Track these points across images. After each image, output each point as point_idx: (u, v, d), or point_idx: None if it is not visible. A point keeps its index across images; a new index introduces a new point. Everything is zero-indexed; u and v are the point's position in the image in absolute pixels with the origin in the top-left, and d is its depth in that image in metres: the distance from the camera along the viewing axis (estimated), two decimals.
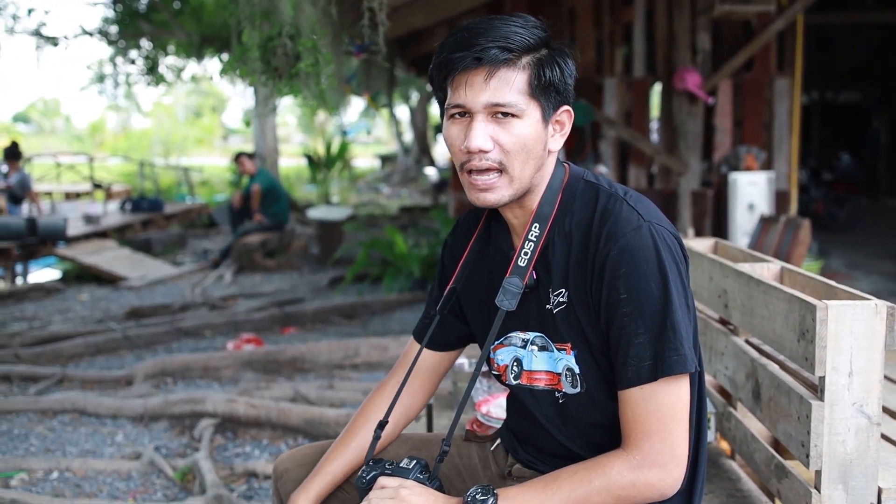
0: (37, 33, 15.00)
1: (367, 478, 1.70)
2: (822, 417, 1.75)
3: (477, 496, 1.57)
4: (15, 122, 64.82)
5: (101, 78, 18.50)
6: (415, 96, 25.98)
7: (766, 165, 7.87)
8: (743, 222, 7.54)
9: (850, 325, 1.72)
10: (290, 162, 30.13)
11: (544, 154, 1.64)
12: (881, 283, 8.40)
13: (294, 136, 45.95)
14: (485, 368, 2.68)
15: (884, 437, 2.15)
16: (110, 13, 15.67)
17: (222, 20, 14.62)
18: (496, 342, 1.77)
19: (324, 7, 4.66)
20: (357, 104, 26.81)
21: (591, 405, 1.66)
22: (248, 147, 27.29)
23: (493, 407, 2.54)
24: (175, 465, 3.97)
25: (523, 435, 1.84)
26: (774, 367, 2.09)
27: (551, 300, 1.65)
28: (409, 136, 29.58)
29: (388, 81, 8.16)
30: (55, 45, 15.41)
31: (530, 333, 1.70)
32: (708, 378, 2.67)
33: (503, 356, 1.76)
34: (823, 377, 1.74)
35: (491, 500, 1.56)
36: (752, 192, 7.58)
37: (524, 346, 1.71)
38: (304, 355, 5.53)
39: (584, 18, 8.41)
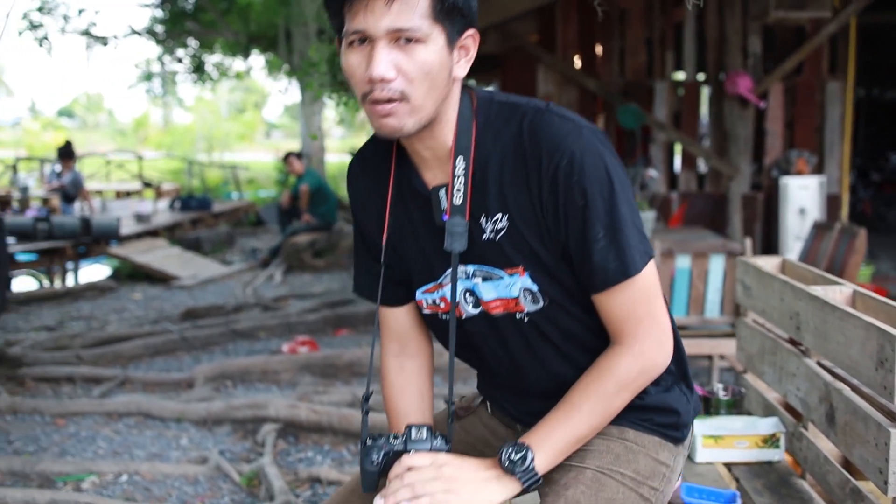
0: (87, 33, 15.26)
1: (380, 458, 1.62)
2: None
3: (512, 456, 1.56)
4: (59, 117, 65.57)
5: (148, 76, 18.78)
6: None
7: (818, 169, 7.85)
8: (794, 226, 7.53)
9: None
10: (331, 157, 30.32)
11: (449, 81, 1.55)
12: None
13: (333, 129, 46.18)
14: None
15: None
16: (159, 13, 15.87)
17: (269, 20, 14.81)
18: (433, 283, 1.70)
19: None
20: None
21: (560, 311, 1.64)
22: (293, 145, 27.47)
23: None
24: (241, 470, 4.06)
25: (493, 382, 1.83)
26: (849, 393, 2.12)
27: (487, 229, 1.59)
28: None
29: None
30: (105, 44, 15.66)
31: (469, 267, 1.64)
32: (776, 396, 2.71)
33: (449, 292, 1.67)
34: None
35: (528, 454, 1.56)
36: (803, 196, 7.57)
37: (468, 278, 1.65)
38: (361, 359, 5.61)
39: (635, 21, 8.41)
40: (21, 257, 9.24)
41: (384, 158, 1.70)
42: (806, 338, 2.35)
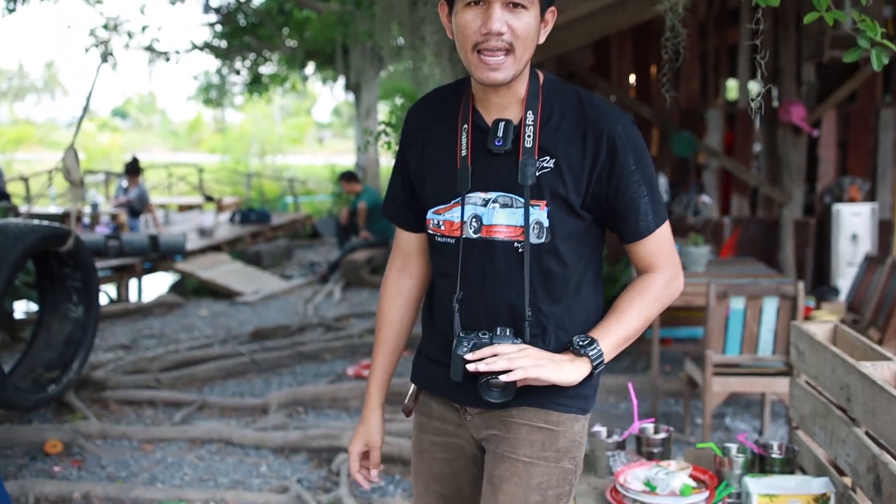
0: (150, 49, 15.71)
1: (469, 347, 1.92)
2: None
3: (581, 342, 1.95)
4: (113, 117, 66.52)
5: (207, 88, 19.24)
6: None
7: (870, 196, 7.96)
8: (846, 252, 7.65)
9: None
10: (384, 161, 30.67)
11: (535, 45, 1.92)
12: None
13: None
14: (622, 438, 2.97)
15: None
16: (219, 28, 16.26)
17: (326, 36, 15.15)
18: (443, 205, 2.03)
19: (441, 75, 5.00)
20: None
21: (550, 253, 1.96)
22: (343, 146, 27.83)
23: (630, 477, 2.79)
24: (319, 500, 4.34)
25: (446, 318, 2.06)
26: (895, 467, 2.33)
27: (533, 166, 1.94)
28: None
29: None
30: (167, 60, 16.10)
31: (492, 193, 1.97)
32: (826, 456, 2.90)
33: (457, 214, 2.00)
34: None
35: (595, 342, 1.95)
36: (855, 222, 7.69)
37: (485, 205, 1.97)
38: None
39: (689, 50, 8.58)
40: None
41: (448, 103, 2.07)
42: (855, 409, 2.56)
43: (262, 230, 13.50)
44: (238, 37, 16.09)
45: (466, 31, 1.86)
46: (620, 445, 2.98)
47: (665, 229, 2.04)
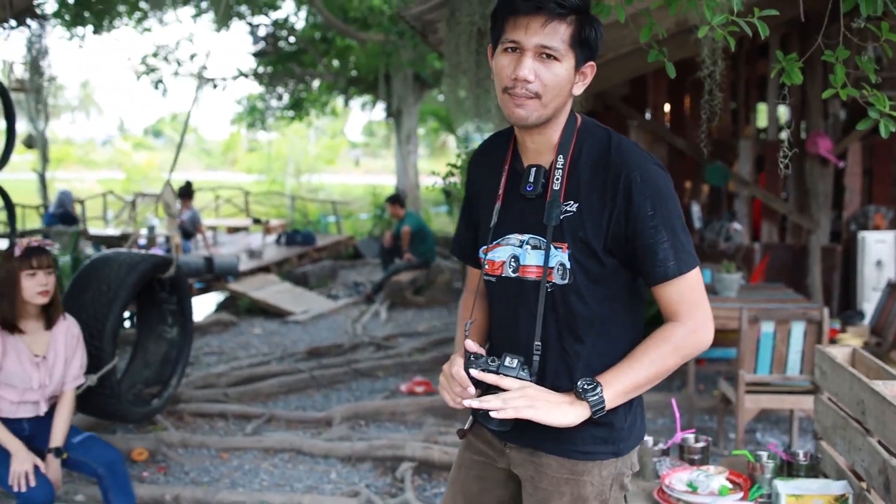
0: (198, 76, 16.33)
1: (476, 369, 2.04)
2: None
3: (584, 385, 2.01)
4: (146, 136, 67.18)
5: (250, 112, 19.85)
6: None
7: (893, 224, 8.33)
8: (871, 278, 8.03)
9: None
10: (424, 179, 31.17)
11: (569, 95, 2.04)
12: None
13: (422, 163, 46.93)
14: (666, 446, 3.38)
15: None
16: (264, 55, 16.85)
17: (368, 64, 15.70)
18: (493, 242, 2.16)
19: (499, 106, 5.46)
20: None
21: (574, 294, 2.06)
22: (375, 165, 28.27)
23: (674, 479, 3.22)
24: None
25: (501, 339, 2.22)
26: None
27: (558, 209, 2.05)
28: None
29: None
30: (214, 87, 16.72)
31: (526, 235, 2.10)
32: (846, 462, 3.33)
33: (500, 254, 2.15)
34: None
35: (598, 386, 2.01)
36: (880, 249, 8.07)
37: (520, 246, 2.10)
38: None
39: (720, 85, 9.00)
40: None
41: (499, 149, 2.23)
42: (869, 421, 2.98)
43: (307, 251, 14.00)
44: (282, 63, 16.69)
45: (501, 73, 2.01)
46: (665, 452, 3.40)
47: (692, 277, 2.06)
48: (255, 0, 15.00)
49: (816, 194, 8.23)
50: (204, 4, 14.68)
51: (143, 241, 12.05)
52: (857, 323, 7.23)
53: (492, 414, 1.97)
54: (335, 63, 16.16)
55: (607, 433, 2.15)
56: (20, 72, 7.63)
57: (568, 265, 2.05)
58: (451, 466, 5.28)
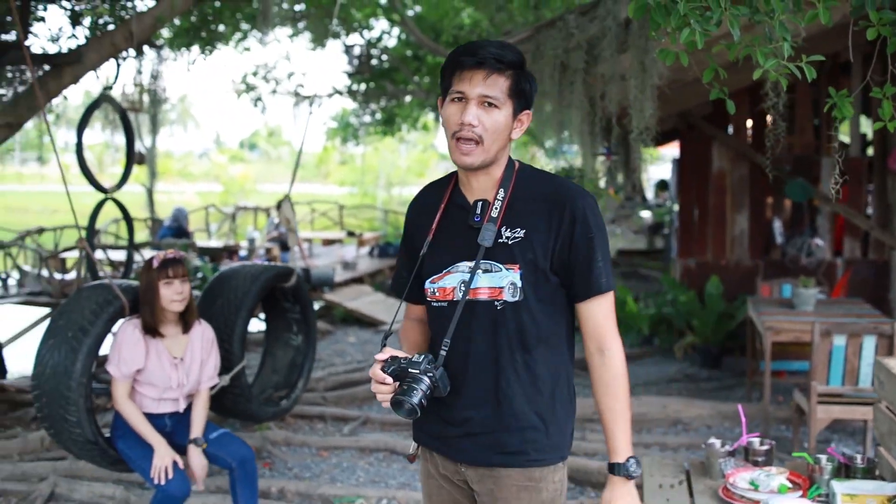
0: (295, 94, 16.97)
1: (389, 370, 2.28)
2: None
3: (635, 467, 2.33)
4: (242, 149, 68.61)
5: (344, 127, 20.47)
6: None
7: None
8: None
9: None
10: None
11: (508, 139, 2.33)
12: None
13: None
14: (732, 448, 3.66)
15: None
16: (358, 73, 17.37)
17: None
18: (436, 274, 2.40)
19: (579, 125, 5.81)
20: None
21: (525, 310, 2.31)
22: None
23: (738, 478, 3.48)
24: None
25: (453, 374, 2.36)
26: None
27: (505, 236, 2.31)
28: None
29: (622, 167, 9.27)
30: (311, 104, 17.32)
31: (473, 262, 2.32)
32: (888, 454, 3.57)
33: (449, 282, 2.37)
34: None
35: (631, 460, 2.33)
36: None
37: (469, 272, 2.32)
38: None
39: (803, 102, 9.16)
40: None
41: (439, 190, 2.49)
42: None
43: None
44: (375, 81, 17.20)
45: (449, 120, 2.30)
46: (731, 454, 3.68)
47: (610, 298, 2.36)
48: (349, 20, 15.50)
49: None
50: (301, 25, 15.26)
51: (243, 253, 12.66)
52: None
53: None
54: (426, 80, 16.57)
55: (554, 441, 2.39)
56: (131, 92, 8.20)
57: (519, 284, 2.31)
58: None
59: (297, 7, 13.65)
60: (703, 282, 8.86)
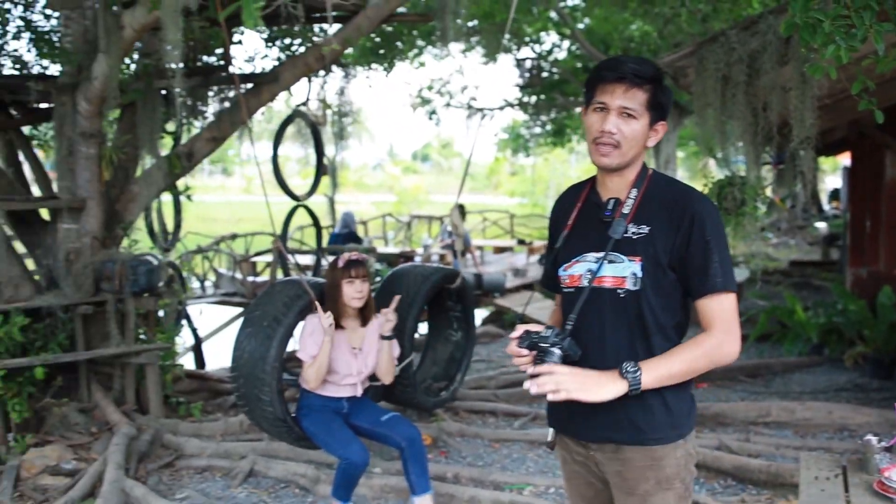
0: (468, 106, 17.52)
1: (524, 344, 2.47)
2: None
3: (628, 367, 2.40)
4: (414, 160, 70.06)
5: (515, 138, 20.93)
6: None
7: None
8: None
9: None
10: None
11: (643, 146, 2.52)
12: None
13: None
14: (889, 444, 3.80)
15: None
16: (529, 86, 17.79)
17: None
18: (571, 260, 2.60)
19: (741, 135, 5.98)
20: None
21: (644, 300, 2.48)
22: None
23: (894, 473, 3.59)
24: None
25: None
26: None
27: (631, 231, 2.50)
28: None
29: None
30: (483, 116, 17.86)
31: (602, 252, 2.51)
32: None
33: (577, 269, 2.58)
34: None
35: (638, 370, 2.39)
36: None
37: (597, 262, 2.52)
38: (725, 412, 6.84)
39: None
40: None
41: (578, 191, 2.73)
42: None
43: None
44: (546, 93, 17.57)
45: (591, 128, 2.52)
46: (887, 450, 3.81)
47: (731, 299, 2.47)
48: (521, 34, 15.92)
49: None
50: (474, 40, 15.79)
51: (418, 259, 13.24)
52: None
53: (549, 397, 2.38)
54: None
55: (671, 419, 2.53)
56: (315, 108, 8.82)
57: (639, 275, 2.49)
58: (697, 464, 5.82)
59: (471, 23, 14.17)
60: (875, 291, 8.78)
